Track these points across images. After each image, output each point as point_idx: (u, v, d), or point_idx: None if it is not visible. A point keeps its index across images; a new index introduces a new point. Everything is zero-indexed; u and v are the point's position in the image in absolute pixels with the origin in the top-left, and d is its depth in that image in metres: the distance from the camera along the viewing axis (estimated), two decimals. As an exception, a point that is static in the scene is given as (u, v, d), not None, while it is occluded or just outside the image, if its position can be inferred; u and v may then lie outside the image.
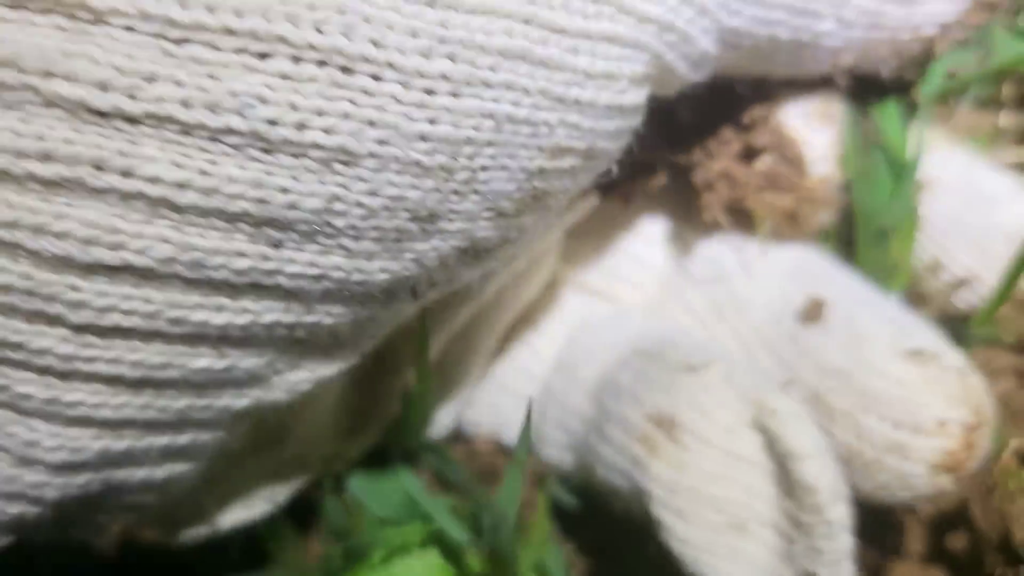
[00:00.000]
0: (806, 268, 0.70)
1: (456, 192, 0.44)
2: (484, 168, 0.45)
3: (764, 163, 0.66)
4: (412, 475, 0.75)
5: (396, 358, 0.70)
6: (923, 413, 0.58)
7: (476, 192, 0.45)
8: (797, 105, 0.66)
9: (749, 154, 0.67)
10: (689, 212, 0.73)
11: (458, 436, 0.80)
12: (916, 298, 0.76)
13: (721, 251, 0.73)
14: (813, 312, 0.65)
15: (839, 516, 0.54)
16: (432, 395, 0.70)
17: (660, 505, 0.60)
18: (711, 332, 0.71)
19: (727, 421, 0.59)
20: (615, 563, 0.72)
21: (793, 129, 0.66)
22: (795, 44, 0.58)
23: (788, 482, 0.56)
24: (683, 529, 0.59)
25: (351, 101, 0.40)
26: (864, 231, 0.71)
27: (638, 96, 0.50)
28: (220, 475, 0.60)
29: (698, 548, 0.59)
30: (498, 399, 0.77)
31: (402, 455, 0.74)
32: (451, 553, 0.69)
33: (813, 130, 0.66)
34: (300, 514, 0.71)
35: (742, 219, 0.69)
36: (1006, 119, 0.91)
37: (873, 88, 0.72)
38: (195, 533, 0.63)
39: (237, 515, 0.64)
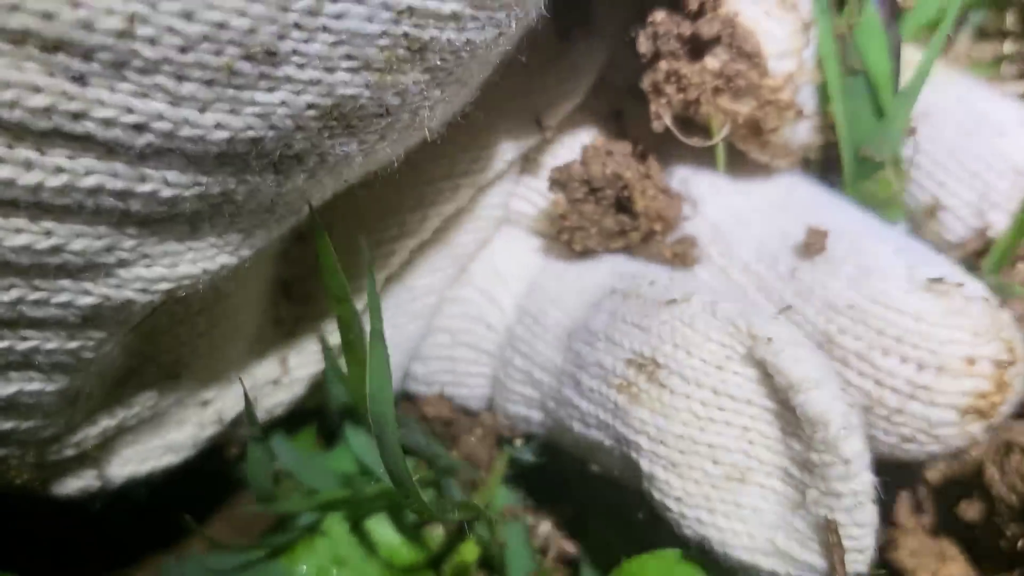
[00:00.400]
0: (798, 198, 0.62)
1: (298, 26, 0.36)
2: None
3: (717, 59, 0.56)
4: (364, 437, 0.66)
5: (316, 297, 0.63)
6: (949, 350, 0.51)
7: (326, 30, 0.37)
8: None
9: (698, 48, 0.57)
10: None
11: (405, 394, 0.72)
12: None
13: (696, 181, 0.64)
14: (814, 244, 0.57)
15: (856, 450, 0.47)
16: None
17: (648, 459, 0.52)
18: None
19: (716, 357, 0.51)
20: (597, 537, 0.64)
21: (749, 18, 0.56)
22: None
23: (793, 419, 0.49)
24: (677, 485, 0.51)
25: None
26: (849, 160, 0.63)
27: None
28: (98, 407, 0.53)
29: (695, 505, 0.51)
30: (452, 353, 0.69)
31: (340, 414, 0.66)
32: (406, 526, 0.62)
33: (772, 19, 0.56)
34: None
35: (696, 128, 0.60)
36: (1010, 48, 0.85)
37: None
38: (81, 484, 0.56)
39: (130, 466, 0.57)
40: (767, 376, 0.50)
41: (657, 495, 0.52)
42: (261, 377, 0.63)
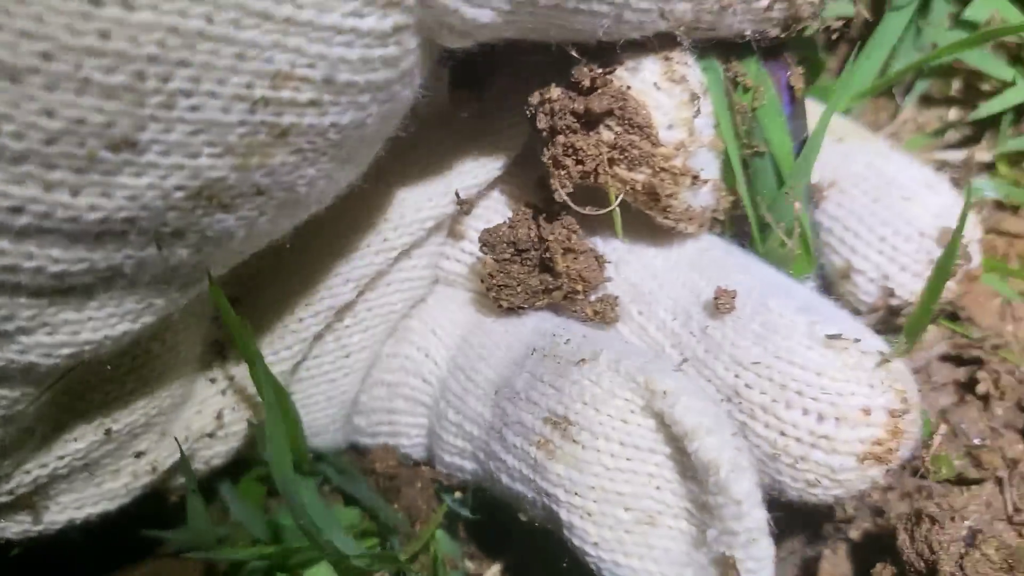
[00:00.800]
0: (710, 258, 0.65)
1: (154, 118, 0.39)
2: (185, 93, 0.39)
3: (610, 131, 0.59)
4: (312, 490, 0.70)
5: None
6: (847, 402, 0.55)
7: (183, 120, 0.40)
8: (638, 64, 0.58)
9: (592, 121, 0.59)
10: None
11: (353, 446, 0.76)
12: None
13: (616, 243, 0.68)
14: (723, 303, 0.60)
15: (745, 491, 0.51)
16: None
17: (566, 509, 0.56)
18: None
19: (620, 411, 0.55)
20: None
21: (639, 92, 0.58)
22: None
23: (690, 464, 0.53)
24: (594, 532, 0.56)
25: (4, 11, 0.35)
26: (755, 226, 0.66)
27: (383, 21, 0.44)
28: (28, 457, 0.56)
29: (611, 550, 0.55)
30: (390, 405, 0.73)
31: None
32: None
33: (661, 91, 0.58)
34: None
35: (602, 194, 0.63)
36: (955, 115, 0.89)
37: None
38: (18, 528, 0.59)
39: (68, 512, 0.61)
40: (665, 426, 0.54)
41: (576, 542, 0.56)
42: (197, 430, 0.66)
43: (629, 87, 0.58)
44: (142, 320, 0.49)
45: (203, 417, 0.66)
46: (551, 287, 0.66)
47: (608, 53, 0.57)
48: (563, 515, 0.56)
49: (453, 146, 0.69)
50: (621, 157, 0.59)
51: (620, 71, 0.58)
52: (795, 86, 0.64)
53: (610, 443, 0.55)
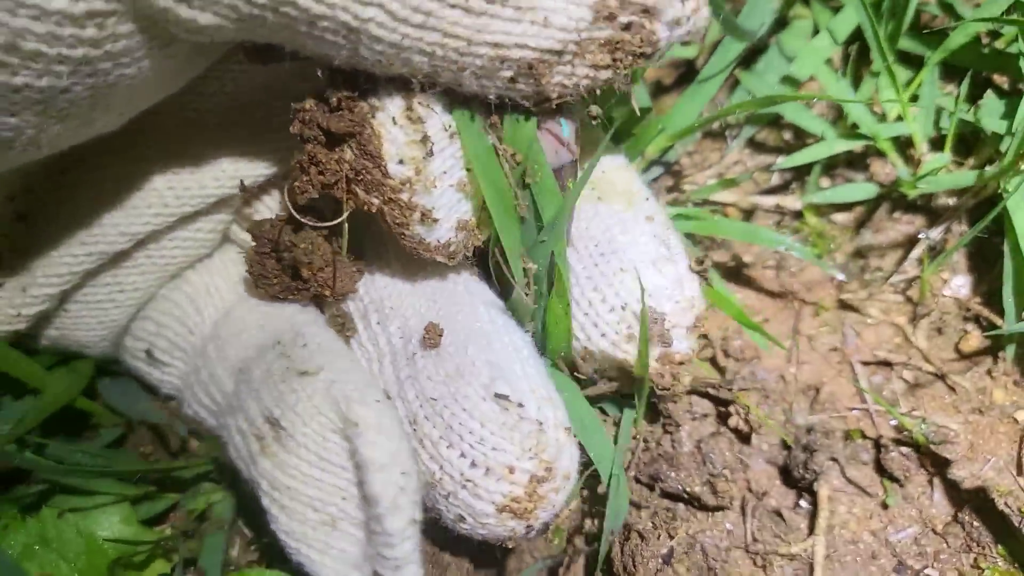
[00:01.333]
0: (450, 292, 0.70)
1: None
2: None
3: (350, 152, 0.61)
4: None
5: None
6: (496, 457, 0.61)
7: None
8: (386, 97, 0.60)
9: (335, 139, 0.61)
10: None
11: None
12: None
13: (377, 259, 0.72)
14: (430, 338, 0.65)
15: (397, 527, 0.59)
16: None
17: (267, 498, 0.64)
18: (358, 339, 0.72)
19: (322, 428, 0.62)
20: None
21: (378, 122, 0.60)
22: (341, 25, 0.52)
23: (364, 490, 0.60)
24: (285, 522, 0.64)
25: None
26: (515, 269, 0.69)
27: (75, 5, 0.46)
28: None
29: (298, 540, 0.64)
30: (153, 340, 0.78)
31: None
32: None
33: (397, 126, 0.60)
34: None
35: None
36: (782, 161, 0.91)
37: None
38: None
39: None
40: (352, 451, 0.61)
41: (273, 525, 0.65)
42: None
43: (372, 116, 0.60)
44: None
45: None
46: (300, 288, 0.71)
47: (372, 79, 0.60)
48: (264, 502, 0.65)
49: (252, 133, 0.72)
50: (358, 179, 0.62)
51: (370, 99, 0.60)
52: (568, 145, 0.66)
53: (309, 453, 0.63)
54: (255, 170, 0.72)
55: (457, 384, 0.64)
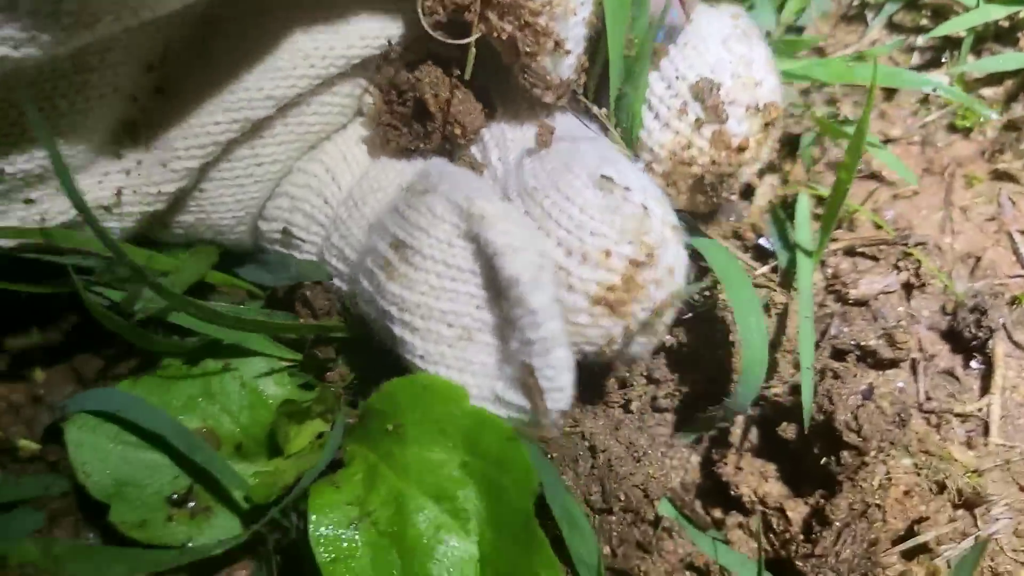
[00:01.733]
0: (558, 121, 0.68)
1: None
2: None
3: None
4: None
5: (157, 144, 0.69)
6: (593, 242, 0.57)
7: None
8: None
9: None
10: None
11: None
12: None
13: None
14: (543, 135, 0.62)
15: (542, 303, 0.54)
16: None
17: (399, 326, 0.61)
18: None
19: (446, 235, 0.59)
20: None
21: None
22: None
23: (497, 281, 0.56)
24: (420, 345, 0.60)
25: None
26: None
27: None
28: None
29: (435, 363, 0.60)
30: (290, 217, 0.76)
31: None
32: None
33: None
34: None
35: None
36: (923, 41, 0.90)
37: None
38: None
39: None
40: (482, 248, 0.57)
41: (408, 356, 0.61)
42: (94, 199, 0.68)
43: None
44: (24, 50, 0.52)
45: (103, 188, 0.68)
46: (431, 129, 0.69)
47: None
48: (396, 330, 0.61)
49: None
50: (494, 2, 0.60)
51: None
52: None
53: (436, 264, 0.59)
54: (401, 29, 0.70)
55: (561, 174, 0.59)
